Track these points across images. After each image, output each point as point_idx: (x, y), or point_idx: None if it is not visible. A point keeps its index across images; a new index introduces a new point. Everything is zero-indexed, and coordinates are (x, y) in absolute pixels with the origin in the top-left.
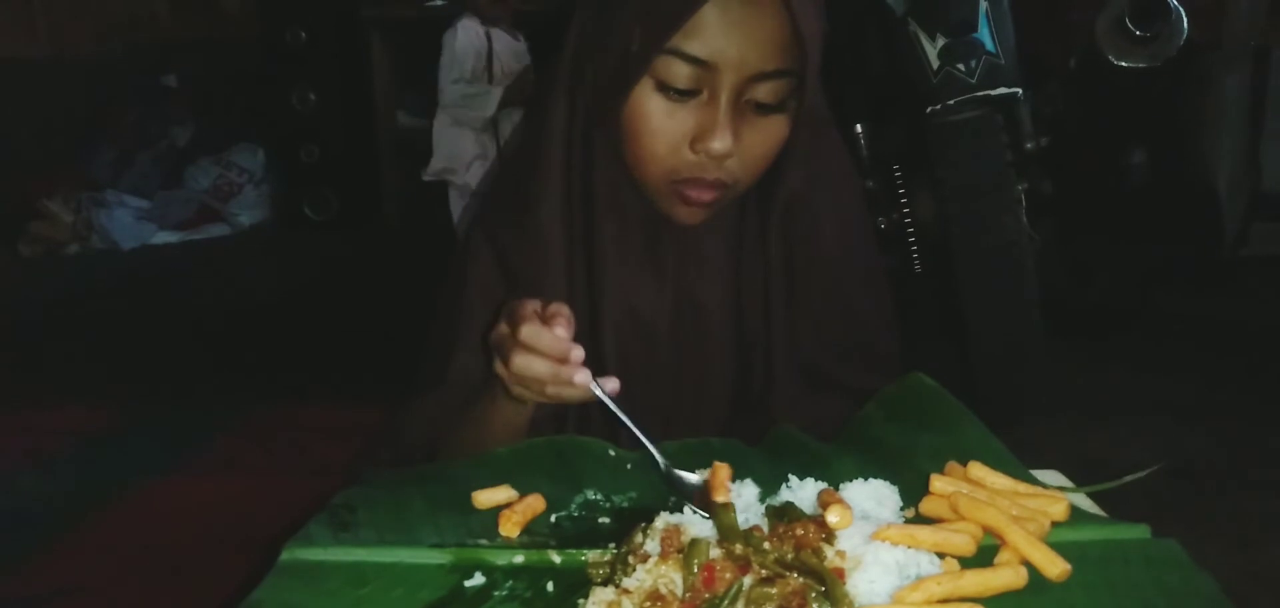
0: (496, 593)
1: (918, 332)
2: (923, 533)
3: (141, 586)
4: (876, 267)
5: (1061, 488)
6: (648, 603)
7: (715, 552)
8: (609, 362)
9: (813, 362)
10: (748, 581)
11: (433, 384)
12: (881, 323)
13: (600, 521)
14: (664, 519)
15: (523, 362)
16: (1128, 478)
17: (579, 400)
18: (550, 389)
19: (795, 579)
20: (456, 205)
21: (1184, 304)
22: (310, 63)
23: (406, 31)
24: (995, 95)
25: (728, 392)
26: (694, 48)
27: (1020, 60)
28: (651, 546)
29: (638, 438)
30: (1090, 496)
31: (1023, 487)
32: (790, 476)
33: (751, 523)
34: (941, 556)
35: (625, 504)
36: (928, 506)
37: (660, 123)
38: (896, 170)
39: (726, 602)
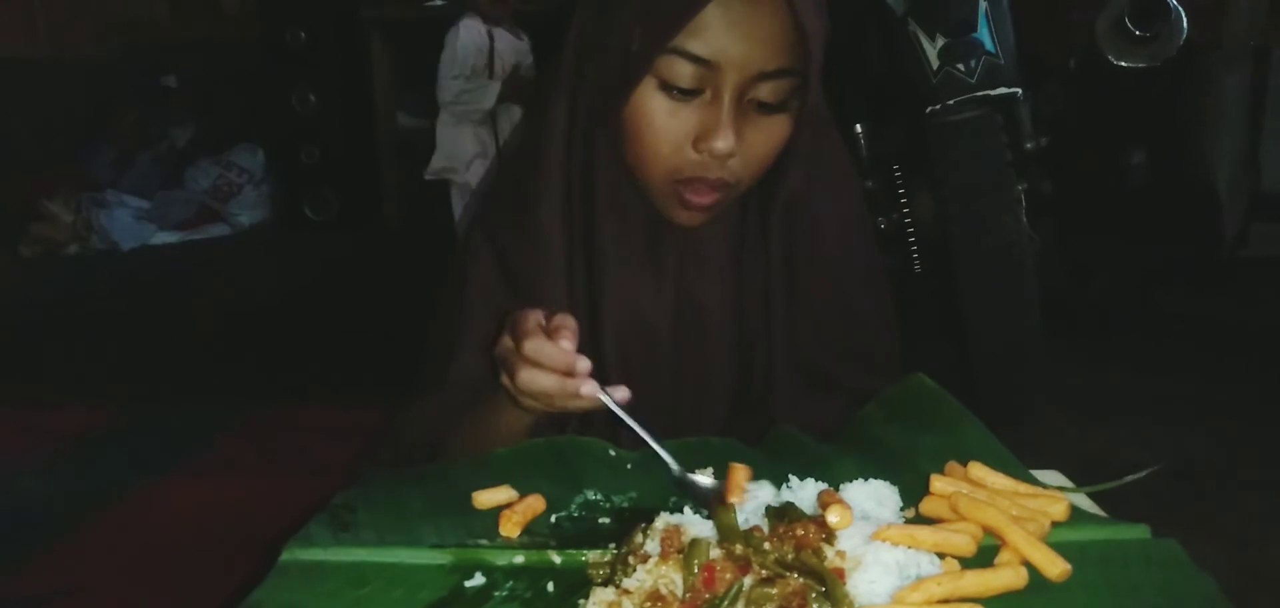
0: (497, 594)
1: (918, 332)
2: (923, 533)
3: (142, 586)
4: (877, 267)
5: (1061, 488)
6: (648, 604)
7: (715, 552)
8: (609, 362)
9: (813, 362)
10: (748, 581)
11: (433, 385)
12: (882, 323)
13: (600, 521)
14: (664, 520)
15: (528, 377)
16: (1128, 478)
17: (587, 409)
18: (558, 401)
19: (795, 580)
20: (458, 204)
21: (1184, 304)
22: (310, 63)
23: (406, 31)
24: (995, 95)
25: (728, 392)
26: (697, 47)
27: (1020, 60)
28: (652, 546)
29: (649, 444)
30: (1090, 496)
31: (1023, 487)
32: (790, 476)
33: (752, 524)
34: (942, 556)
35: (625, 505)
36: (928, 506)
37: (662, 122)
38: (896, 170)
39: (727, 602)
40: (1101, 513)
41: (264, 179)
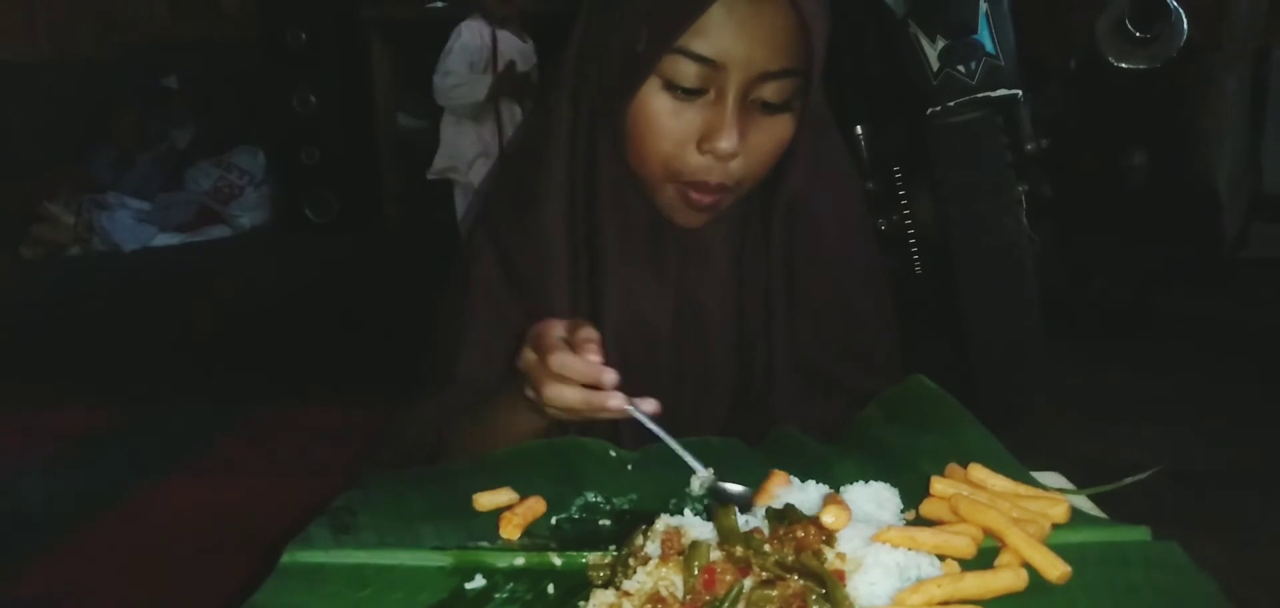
0: (497, 595)
1: (918, 333)
2: (923, 535)
3: (141, 588)
4: (877, 267)
5: (1062, 490)
6: (648, 606)
7: (716, 554)
8: (610, 362)
9: (813, 362)
10: (748, 583)
11: (437, 385)
12: (882, 323)
13: (601, 523)
14: (664, 521)
15: (555, 391)
16: (1128, 480)
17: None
18: (585, 414)
19: (795, 582)
20: (460, 204)
21: (1184, 305)
22: (311, 64)
23: (407, 32)
24: (995, 97)
25: (728, 392)
26: (701, 47)
27: (1020, 62)
28: (652, 548)
29: (679, 453)
30: (1090, 497)
31: (1023, 489)
32: (791, 478)
33: (752, 525)
34: (942, 558)
35: (626, 506)
36: (928, 508)
37: (666, 122)
38: (896, 172)
39: (727, 604)
40: (1102, 515)
41: (264, 180)
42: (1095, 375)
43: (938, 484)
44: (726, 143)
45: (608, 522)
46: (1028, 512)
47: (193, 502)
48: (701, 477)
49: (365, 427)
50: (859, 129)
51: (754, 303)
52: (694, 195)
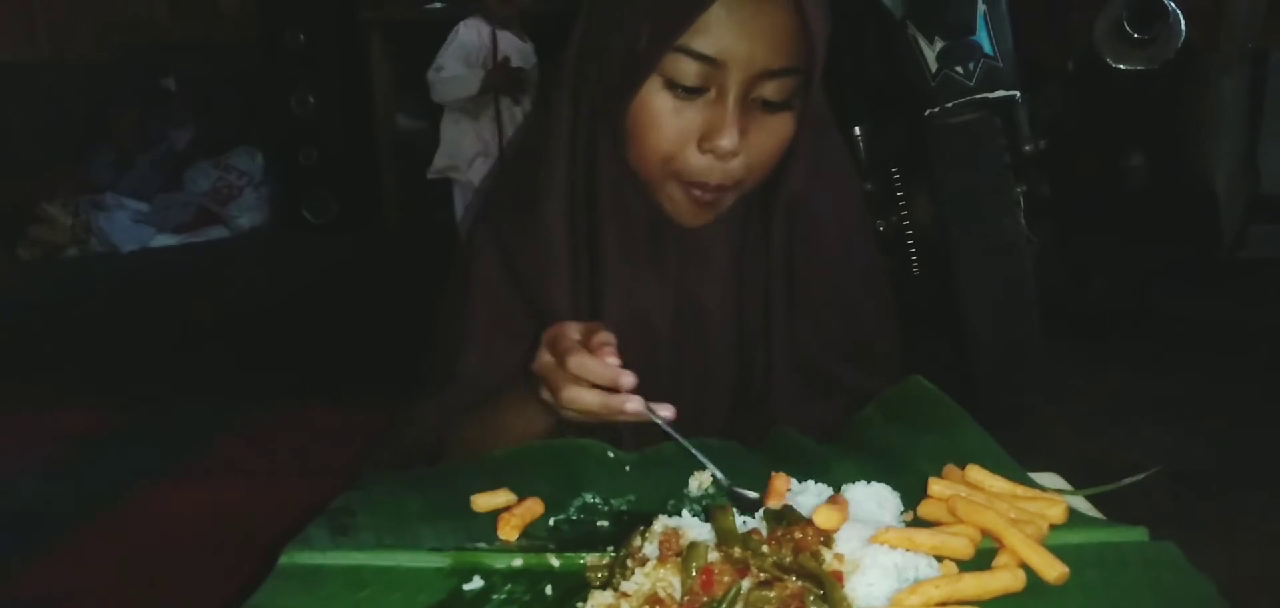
0: (495, 596)
1: (916, 333)
2: (921, 536)
3: (141, 589)
4: (877, 266)
5: (1059, 491)
6: (646, 606)
7: (713, 555)
8: None
9: (813, 363)
10: (746, 584)
11: (438, 383)
12: (882, 323)
13: (599, 524)
14: (662, 523)
15: (573, 394)
16: (1126, 481)
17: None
18: (602, 417)
19: (793, 583)
20: (459, 203)
21: (1182, 306)
22: (309, 65)
23: (406, 33)
24: (993, 98)
25: (728, 392)
26: (702, 45)
27: (1018, 63)
28: (650, 549)
29: (698, 458)
30: (1088, 498)
31: (1021, 490)
32: (791, 479)
33: (750, 526)
34: (939, 559)
35: (624, 508)
36: (926, 508)
37: (667, 121)
38: (895, 173)
39: (725, 605)
40: (1099, 515)
41: (263, 181)
42: (1093, 376)
43: (935, 485)
44: (727, 141)
45: (606, 523)
46: (1025, 513)
47: (191, 503)
48: (721, 482)
49: (364, 428)
50: (858, 130)
51: (754, 302)
52: (696, 193)
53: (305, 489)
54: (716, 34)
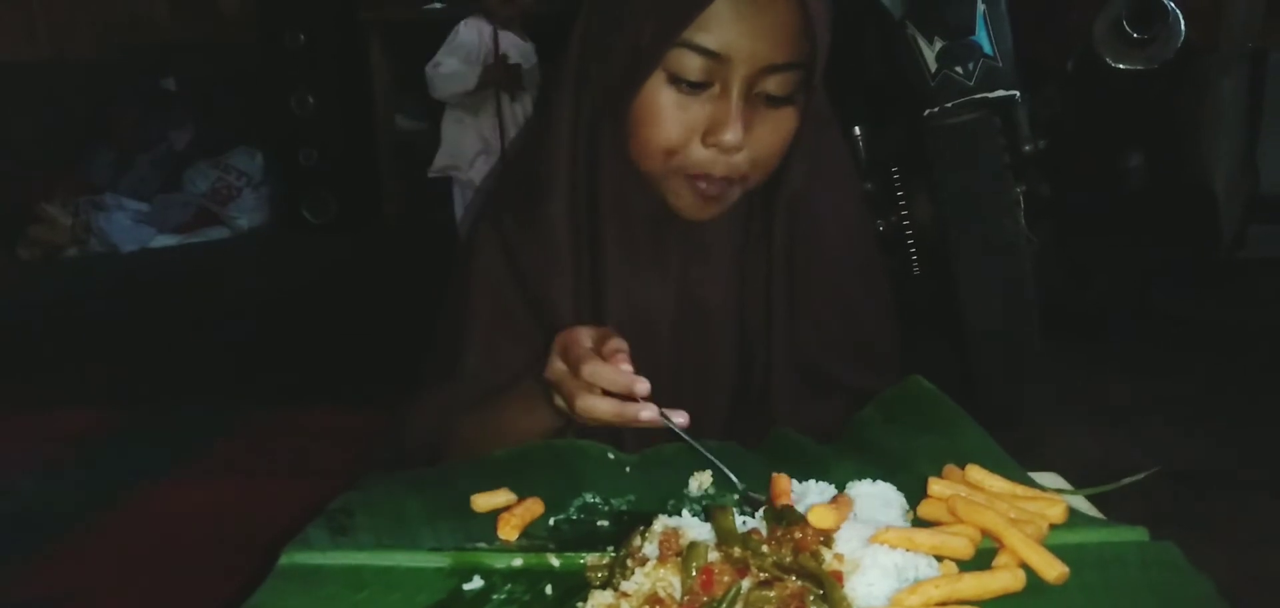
0: (495, 596)
1: (916, 334)
2: (921, 536)
3: (140, 590)
4: (877, 265)
5: (1059, 491)
6: (646, 606)
7: (713, 555)
8: None
9: (813, 362)
10: (746, 584)
11: (439, 381)
12: (881, 322)
13: (599, 524)
14: (662, 522)
15: (588, 403)
16: (1125, 481)
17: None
18: (617, 424)
19: (793, 582)
20: (459, 202)
21: (1182, 306)
22: (309, 65)
23: (406, 34)
24: (993, 98)
25: (728, 391)
26: (706, 40)
27: (1018, 63)
28: (650, 549)
29: (714, 463)
30: (1088, 498)
31: (1021, 490)
32: (791, 480)
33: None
34: (939, 558)
35: (624, 507)
36: (926, 508)
37: (671, 116)
38: (895, 173)
39: (724, 605)
40: (1099, 515)
41: (263, 181)
42: (1093, 376)
43: (935, 485)
44: (731, 135)
45: (606, 523)
46: (1025, 512)
47: (191, 503)
48: (736, 486)
49: (364, 428)
50: (857, 130)
51: (755, 301)
52: (701, 186)
53: (305, 490)
54: (720, 29)
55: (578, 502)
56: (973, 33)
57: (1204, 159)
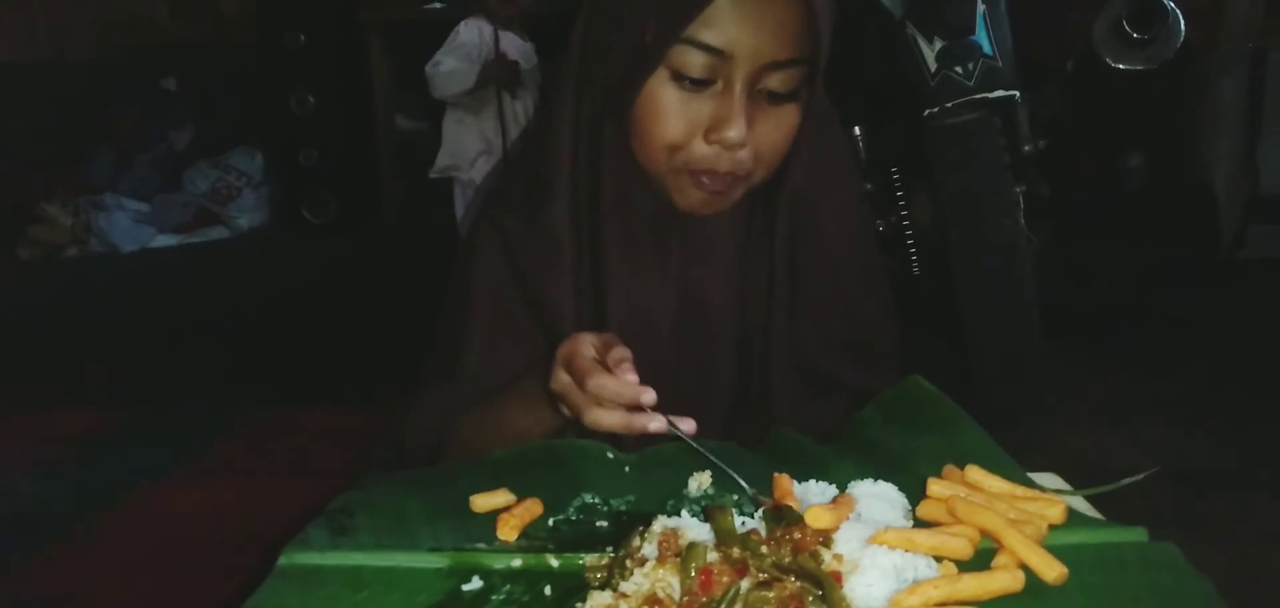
0: (494, 597)
1: (916, 334)
2: (920, 536)
3: (140, 590)
4: (877, 264)
5: (1059, 491)
6: (645, 607)
7: (713, 556)
8: None
9: (813, 362)
10: (745, 584)
11: (439, 381)
12: (881, 321)
13: (598, 524)
14: (661, 523)
15: (595, 416)
16: (1125, 481)
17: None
18: (625, 433)
19: (793, 583)
20: (460, 202)
21: (1182, 307)
22: (309, 65)
23: (406, 34)
24: (993, 98)
25: (728, 390)
26: (709, 36)
27: (1018, 63)
28: (649, 549)
29: (723, 469)
30: (1088, 498)
31: (1020, 490)
32: (792, 480)
33: (749, 526)
34: (939, 559)
35: (623, 508)
36: (925, 509)
37: (674, 113)
38: (894, 173)
39: (723, 606)
40: (1098, 516)
41: (263, 181)
42: (1092, 376)
43: (935, 485)
44: (734, 132)
45: (605, 523)
46: (1024, 513)
47: (191, 503)
48: (746, 490)
49: (363, 428)
50: (857, 130)
51: (756, 300)
52: (705, 182)
53: (305, 490)
54: (723, 25)
55: (577, 502)
56: (973, 33)
57: (1204, 159)
